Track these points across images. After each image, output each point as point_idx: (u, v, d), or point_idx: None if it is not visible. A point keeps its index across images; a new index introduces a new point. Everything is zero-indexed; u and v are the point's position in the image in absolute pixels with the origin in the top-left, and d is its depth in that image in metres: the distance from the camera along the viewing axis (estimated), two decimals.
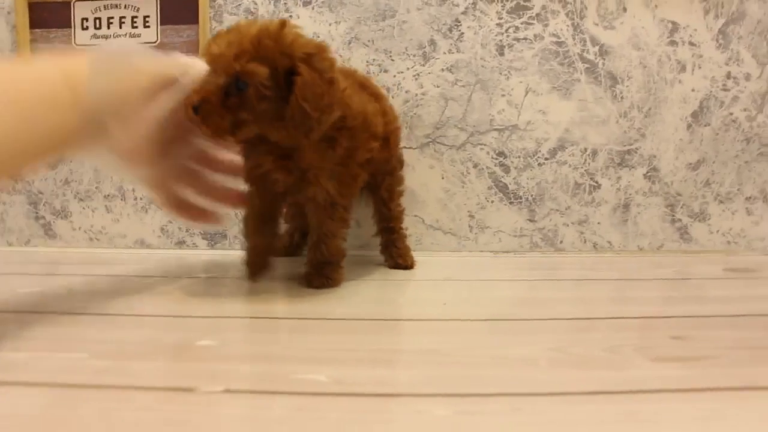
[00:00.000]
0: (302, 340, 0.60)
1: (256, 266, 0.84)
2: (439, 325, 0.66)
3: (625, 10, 1.09)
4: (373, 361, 0.54)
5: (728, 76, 1.11)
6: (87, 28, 1.12)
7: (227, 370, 0.52)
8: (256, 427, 0.41)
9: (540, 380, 0.49)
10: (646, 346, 0.58)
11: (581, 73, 1.10)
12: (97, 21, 1.12)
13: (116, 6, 1.12)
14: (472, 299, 0.79)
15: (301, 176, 0.75)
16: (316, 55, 0.69)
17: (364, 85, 0.93)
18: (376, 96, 0.94)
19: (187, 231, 1.14)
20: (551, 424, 0.42)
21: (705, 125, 1.11)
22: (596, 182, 1.11)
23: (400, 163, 1.02)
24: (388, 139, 0.93)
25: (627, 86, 1.10)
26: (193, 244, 1.14)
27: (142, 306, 0.72)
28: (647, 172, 1.12)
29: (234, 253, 1.10)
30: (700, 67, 1.11)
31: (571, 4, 1.10)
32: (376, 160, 0.86)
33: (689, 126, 1.11)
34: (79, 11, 1.12)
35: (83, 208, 1.15)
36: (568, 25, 1.10)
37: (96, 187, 1.15)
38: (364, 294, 0.81)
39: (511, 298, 0.80)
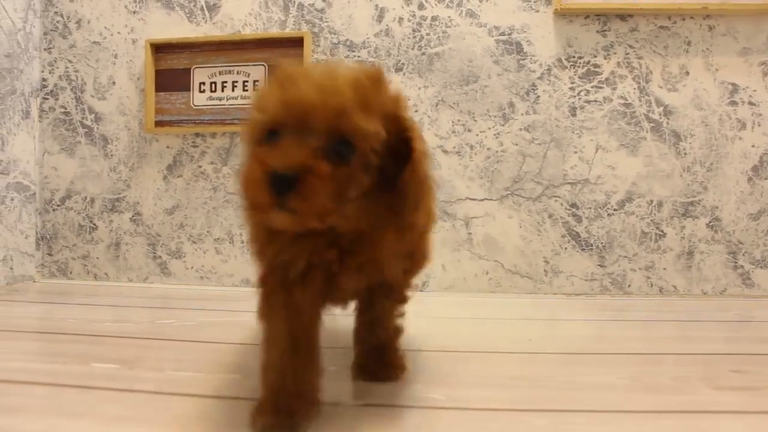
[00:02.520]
0: (421, 367, 0.72)
1: (291, 419, 0.51)
2: (527, 357, 0.77)
3: (687, 73, 1.20)
4: (479, 385, 0.65)
5: None
6: (204, 91, 1.28)
7: (357, 389, 0.62)
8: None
9: (618, 401, 0.60)
10: (709, 377, 0.68)
11: (647, 132, 1.21)
12: (213, 85, 1.28)
13: (229, 72, 1.27)
14: (552, 336, 0.90)
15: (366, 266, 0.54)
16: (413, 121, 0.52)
17: None
18: None
19: None
20: None
21: (765, 178, 1.20)
22: (662, 231, 1.21)
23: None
24: None
25: (690, 143, 1.20)
26: None
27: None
28: (710, 222, 1.21)
29: None
30: (759, 125, 1.20)
31: (637, 69, 1.21)
32: None
33: (750, 179, 1.20)
34: (197, 76, 1.28)
35: (195, 249, 1.30)
36: (634, 88, 1.21)
37: (207, 231, 1.30)
38: (462, 330, 0.92)
39: (585, 336, 0.91)
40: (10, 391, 0.62)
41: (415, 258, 0.60)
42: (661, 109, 1.21)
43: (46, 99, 1.35)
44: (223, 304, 1.10)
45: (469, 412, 0.57)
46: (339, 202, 0.46)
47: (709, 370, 0.71)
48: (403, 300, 0.65)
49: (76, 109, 1.34)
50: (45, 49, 1.35)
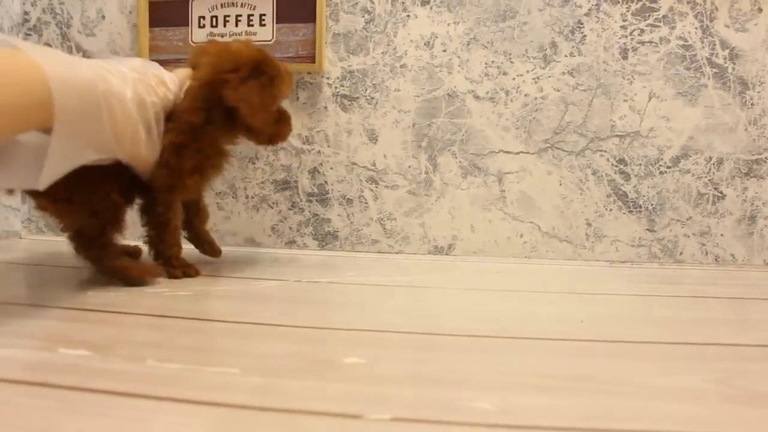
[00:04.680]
0: (457, 361, 0.59)
1: None
2: (583, 347, 0.63)
3: (760, 10, 1.04)
4: (534, 388, 0.51)
5: None
6: (204, 26, 1.13)
7: (386, 394, 0.49)
8: None
9: (720, 418, 0.45)
10: None
11: (709, 78, 1.05)
12: (214, 19, 1.13)
13: (233, 4, 1.12)
14: (604, 317, 0.75)
15: None
16: None
17: None
18: None
19: (297, 231, 1.14)
20: None
21: None
22: (721, 192, 1.07)
23: None
24: None
25: (759, 92, 1.05)
26: (304, 244, 1.15)
27: (277, 316, 0.72)
28: None
29: (346, 254, 1.10)
30: None
31: (700, 5, 1.05)
32: None
33: None
34: (196, 9, 1.13)
35: None
36: (696, 28, 1.05)
37: None
38: (497, 307, 0.79)
39: (642, 317, 0.76)
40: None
41: None
42: (727, 52, 1.05)
43: (29, 35, 1.21)
44: (227, 268, 0.97)
45: None
46: None
47: None
48: None
49: (62, 46, 1.20)
50: None
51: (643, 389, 0.51)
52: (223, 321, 0.69)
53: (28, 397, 0.46)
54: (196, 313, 0.72)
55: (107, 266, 0.81)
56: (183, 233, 0.95)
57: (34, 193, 0.81)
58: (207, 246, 1.00)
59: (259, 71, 0.84)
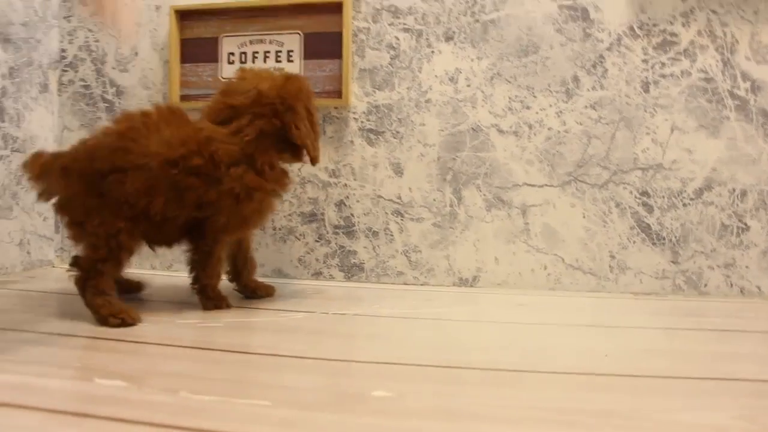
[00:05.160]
0: (481, 395, 0.60)
1: None
2: (608, 381, 0.64)
3: None
4: (557, 423, 0.52)
5: None
6: (233, 62, 1.17)
7: (413, 428, 0.50)
8: None
9: None
10: None
11: (731, 111, 1.06)
12: (243, 56, 1.16)
13: (261, 41, 1.16)
14: (628, 351, 0.76)
15: None
16: None
17: None
18: None
19: (324, 263, 1.17)
20: None
21: None
22: (745, 224, 1.07)
23: None
24: None
25: None
26: (330, 275, 1.17)
27: (305, 348, 0.74)
28: None
29: (372, 286, 1.12)
30: None
31: (720, 38, 1.06)
32: None
33: None
34: (226, 46, 1.17)
35: None
36: (717, 61, 1.06)
37: None
38: (521, 340, 0.80)
39: (667, 351, 0.76)
40: None
41: None
42: (748, 84, 1.06)
43: (66, 71, 1.25)
44: (256, 299, 0.99)
45: None
46: None
47: None
48: None
49: (97, 82, 1.24)
50: (64, 18, 1.25)
51: (665, 425, 0.52)
52: (254, 353, 0.71)
53: (69, 427, 0.49)
54: (226, 345, 0.74)
55: (86, 298, 0.83)
56: (233, 286, 0.99)
57: (60, 208, 0.85)
58: (261, 291, 1.01)
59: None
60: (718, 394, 0.61)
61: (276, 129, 0.88)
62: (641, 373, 0.66)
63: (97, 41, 1.23)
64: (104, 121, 1.23)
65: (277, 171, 0.91)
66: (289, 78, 0.91)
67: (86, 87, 1.25)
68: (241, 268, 0.98)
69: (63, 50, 1.25)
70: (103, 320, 0.80)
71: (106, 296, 0.82)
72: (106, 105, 1.24)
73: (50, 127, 1.25)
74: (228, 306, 0.91)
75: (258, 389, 0.60)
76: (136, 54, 1.22)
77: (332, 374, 0.65)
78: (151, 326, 0.81)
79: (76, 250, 0.87)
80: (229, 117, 0.88)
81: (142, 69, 1.22)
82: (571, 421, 0.53)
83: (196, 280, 0.91)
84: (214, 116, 0.90)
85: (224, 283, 0.96)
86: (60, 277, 1.16)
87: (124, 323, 0.80)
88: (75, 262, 0.86)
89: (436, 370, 0.67)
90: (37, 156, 0.86)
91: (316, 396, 0.58)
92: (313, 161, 0.92)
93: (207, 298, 0.91)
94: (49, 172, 0.84)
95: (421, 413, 0.54)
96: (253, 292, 0.99)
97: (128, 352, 0.70)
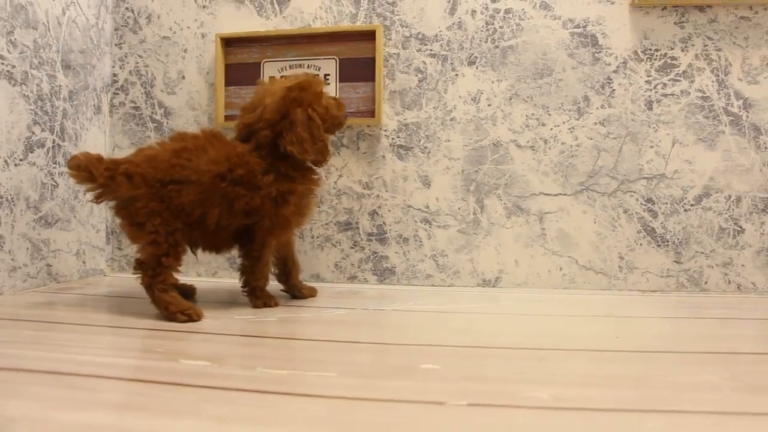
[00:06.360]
0: (513, 366, 0.71)
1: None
2: (620, 355, 0.76)
3: None
4: (579, 384, 0.64)
5: None
6: None
7: (461, 388, 0.62)
8: None
9: (729, 402, 0.58)
10: None
11: (726, 126, 1.18)
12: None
13: (300, 65, 1.27)
14: (637, 334, 0.88)
15: None
16: None
17: None
18: None
19: (358, 267, 1.28)
20: None
21: None
22: (740, 227, 1.19)
23: None
24: None
25: None
26: (364, 279, 1.28)
27: (353, 335, 0.85)
28: None
29: (403, 288, 1.23)
30: None
31: (716, 61, 1.18)
32: None
33: None
34: (267, 70, 1.28)
35: None
36: (713, 81, 1.18)
37: None
38: (542, 327, 0.91)
39: (670, 334, 0.88)
40: (106, 387, 0.62)
41: None
42: (741, 102, 1.18)
43: (117, 94, 1.37)
44: (299, 299, 1.10)
45: (577, 413, 0.56)
46: None
47: None
48: None
49: (146, 103, 1.35)
50: (116, 45, 1.36)
51: (668, 384, 0.64)
52: (311, 339, 0.83)
53: (169, 392, 0.59)
54: (285, 334, 0.86)
55: (155, 295, 0.92)
56: (281, 287, 1.09)
57: (120, 209, 0.94)
58: (306, 291, 1.11)
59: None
60: (714, 363, 0.73)
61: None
62: (648, 349, 0.78)
63: (146, 66, 1.35)
64: (153, 140, 1.34)
65: (304, 172, 1.00)
66: (290, 88, 0.98)
67: (136, 108, 1.36)
68: (290, 270, 1.09)
69: (115, 75, 1.37)
70: (171, 316, 0.90)
71: (171, 293, 0.92)
72: (155, 125, 1.35)
73: (102, 145, 1.36)
74: (276, 304, 1.02)
75: (323, 365, 0.71)
76: (183, 77, 1.33)
77: (383, 353, 0.77)
78: (213, 321, 0.91)
79: (134, 250, 0.96)
80: (247, 135, 0.98)
81: (189, 92, 1.33)
82: (586, 382, 0.65)
83: (246, 284, 1.02)
84: (237, 134, 1.01)
85: (270, 285, 1.07)
86: (112, 283, 1.27)
87: (191, 319, 0.90)
88: (139, 265, 0.94)
89: (471, 349, 0.79)
90: (90, 158, 0.92)
91: (374, 369, 0.70)
92: (314, 164, 1.01)
93: (257, 297, 1.01)
94: (114, 176, 0.92)
95: (465, 378, 0.66)
96: (300, 292, 1.10)
97: (201, 341, 0.81)
